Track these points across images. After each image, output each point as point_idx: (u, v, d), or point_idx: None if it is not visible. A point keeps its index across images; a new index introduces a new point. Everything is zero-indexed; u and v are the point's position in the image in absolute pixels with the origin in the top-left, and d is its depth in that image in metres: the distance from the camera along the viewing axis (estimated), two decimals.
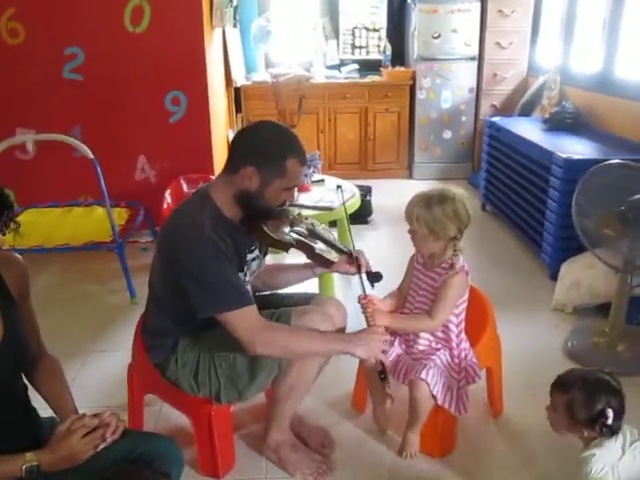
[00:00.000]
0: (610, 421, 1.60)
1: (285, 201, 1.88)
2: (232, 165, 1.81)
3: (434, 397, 1.95)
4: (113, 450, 1.42)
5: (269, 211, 1.86)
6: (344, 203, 2.35)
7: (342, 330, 2.00)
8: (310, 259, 2.02)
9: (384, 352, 1.88)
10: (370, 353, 1.84)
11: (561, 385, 1.72)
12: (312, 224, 2.03)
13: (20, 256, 1.57)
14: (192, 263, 1.72)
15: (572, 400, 1.65)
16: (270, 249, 2.08)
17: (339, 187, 2.35)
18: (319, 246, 1.98)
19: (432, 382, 1.94)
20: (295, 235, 1.94)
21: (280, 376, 1.91)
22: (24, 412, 1.52)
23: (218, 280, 1.73)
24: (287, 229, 1.93)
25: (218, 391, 1.88)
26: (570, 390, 1.67)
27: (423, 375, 1.94)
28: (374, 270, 2.00)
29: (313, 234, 1.99)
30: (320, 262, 2.01)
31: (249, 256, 1.92)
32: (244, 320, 1.74)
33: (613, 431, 1.62)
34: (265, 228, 1.85)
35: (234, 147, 1.84)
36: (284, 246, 1.93)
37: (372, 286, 1.96)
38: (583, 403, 1.63)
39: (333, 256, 2.01)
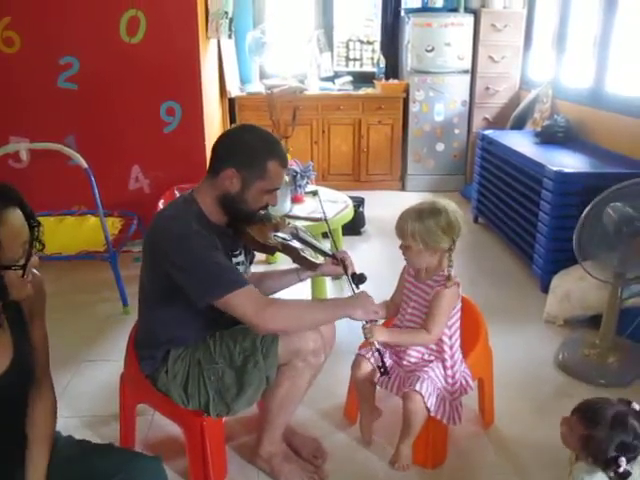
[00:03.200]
0: (621, 470, 1.54)
1: (267, 204, 1.89)
2: (214, 168, 1.83)
3: (427, 409, 1.95)
4: (93, 474, 1.39)
5: (251, 214, 1.87)
6: (322, 206, 2.33)
7: (330, 347, 2.01)
8: (295, 262, 2.02)
9: (376, 312, 1.89)
10: (366, 314, 1.86)
11: (586, 416, 1.63)
12: (295, 228, 2.05)
13: (36, 271, 1.48)
14: (184, 257, 1.71)
15: (591, 437, 1.59)
16: (257, 254, 2.09)
17: (315, 193, 2.33)
18: (304, 248, 1.99)
19: (426, 394, 1.94)
20: (280, 239, 1.95)
21: (271, 389, 1.90)
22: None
23: (213, 266, 1.72)
24: (271, 233, 1.95)
25: (207, 404, 1.87)
26: (594, 427, 1.59)
27: (417, 387, 1.94)
28: (358, 272, 1.99)
29: (297, 238, 2.01)
30: (306, 265, 2.01)
31: (233, 260, 1.92)
32: (248, 299, 1.71)
33: (623, 477, 1.55)
34: (250, 232, 1.87)
35: (216, 150, 1.85)
36: (270, 250, 1.96)
37: (357, 287, 1.96)
38: (601, 445, 1.57)
39: (318, 258, 2.02)
